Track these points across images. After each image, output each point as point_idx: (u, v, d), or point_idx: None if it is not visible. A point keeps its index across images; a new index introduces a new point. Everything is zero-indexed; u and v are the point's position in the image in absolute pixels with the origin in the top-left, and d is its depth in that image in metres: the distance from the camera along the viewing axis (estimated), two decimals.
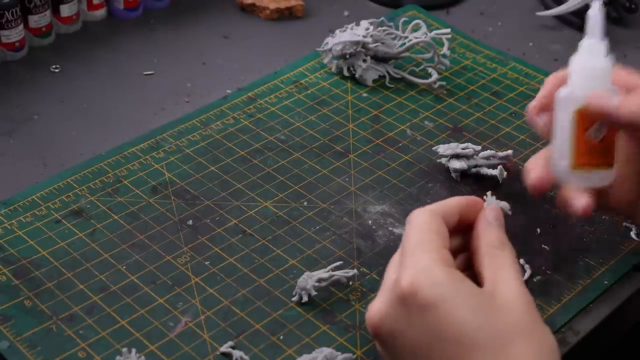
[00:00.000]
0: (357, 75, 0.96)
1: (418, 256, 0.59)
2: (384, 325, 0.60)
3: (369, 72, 0.96)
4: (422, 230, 0.61)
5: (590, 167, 0.65)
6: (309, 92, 0.95)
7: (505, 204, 0.68)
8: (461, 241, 0.65)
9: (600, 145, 0.65)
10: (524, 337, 0.56)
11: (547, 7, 1.10)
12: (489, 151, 0.84)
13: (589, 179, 0.66)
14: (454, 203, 0.64)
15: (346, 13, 1.10)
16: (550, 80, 0.69)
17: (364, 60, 0.95)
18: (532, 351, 0.56)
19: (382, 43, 0.95)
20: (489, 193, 0.67)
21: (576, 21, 1.07)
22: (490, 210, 0.64)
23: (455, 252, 0.64)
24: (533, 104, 0.69)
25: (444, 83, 0.96)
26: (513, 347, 0.56)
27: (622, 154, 0.67)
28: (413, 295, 0.58)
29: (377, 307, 0.60)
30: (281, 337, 0.69)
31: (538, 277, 0.74)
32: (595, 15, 0.65)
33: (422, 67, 0.97)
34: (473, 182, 0.84)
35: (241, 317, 0.71)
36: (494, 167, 0.84)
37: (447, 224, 0.63)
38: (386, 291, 0.60)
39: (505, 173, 0.83)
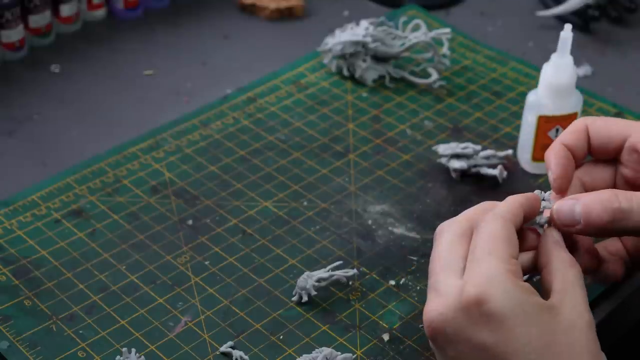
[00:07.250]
0: (357, 75, 0.96)
1: (489, 264, 0.58)
2: (445, 330, 0.58)
3: (369, 72, 0.95)
4: (495, 237, 0.60)
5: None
6: (308, 92, 0.95)
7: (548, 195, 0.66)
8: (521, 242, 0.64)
9: None
10: (580, 358, 0.57)
11: (547, 7, 1.10)
12: (489, 151, 0.84)
13: (543, 168, 0.81)
14: (519, 204, 0.63)
15: (346, 13, 1.10)
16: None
17: (364, 60, 0.95)
18: None
19: (382, 43, 0.95)
20: (545, 194, 0.65)
21: (576, 21, 1.07)
22: (555, 231, 0.63)
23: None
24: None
25: (444, 83, 0.96)
26: None
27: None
28: (481, 303, 0.57)
29: (438, 311, 0.58)
30: (281, 337, 0.69)
31: (538, 277, 0.74)
32: (566, 36, 0.78)
33: (422, 67, 0.97)
34: (473, 182, 0.84)
35: (241, 317, 0.71)
36: (494, 167, 0.84)
37: (515, 227, 0.61)
38: (448, 295, 0.58)
39: (505, 173, 0.83)
